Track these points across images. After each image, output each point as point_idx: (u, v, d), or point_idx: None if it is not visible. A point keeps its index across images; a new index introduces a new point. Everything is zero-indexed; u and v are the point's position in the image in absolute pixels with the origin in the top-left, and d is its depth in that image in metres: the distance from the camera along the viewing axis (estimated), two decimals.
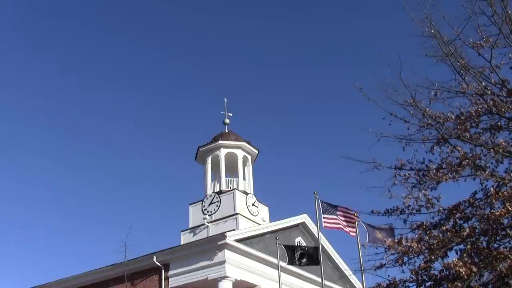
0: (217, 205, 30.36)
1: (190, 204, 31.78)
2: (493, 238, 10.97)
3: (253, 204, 30.97)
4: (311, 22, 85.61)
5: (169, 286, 25.75)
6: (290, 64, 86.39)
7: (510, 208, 10.29)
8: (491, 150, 11.25)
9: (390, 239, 12.52)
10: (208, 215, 30.17)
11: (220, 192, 31.21)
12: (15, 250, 73.79)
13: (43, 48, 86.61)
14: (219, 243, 24.89)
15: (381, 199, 12.14)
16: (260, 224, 29.22)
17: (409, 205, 11.86)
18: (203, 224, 29.93)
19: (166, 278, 25.95)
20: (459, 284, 10.59)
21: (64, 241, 78.45)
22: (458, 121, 11.61)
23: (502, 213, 10.40)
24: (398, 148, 12.14)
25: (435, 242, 11.16)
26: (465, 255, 10.88)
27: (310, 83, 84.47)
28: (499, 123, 11.46)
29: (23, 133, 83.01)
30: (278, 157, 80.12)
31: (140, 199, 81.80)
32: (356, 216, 20.94)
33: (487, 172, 11.22)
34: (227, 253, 24.99)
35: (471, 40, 11.49)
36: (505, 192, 10.63)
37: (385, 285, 11.89)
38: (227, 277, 24.60)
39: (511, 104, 11.15)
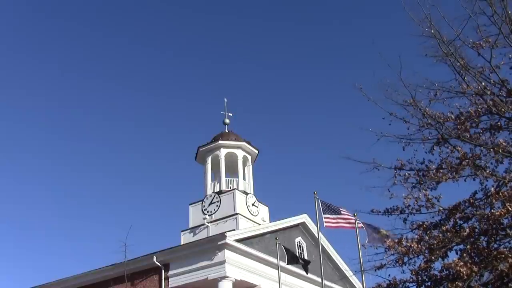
0: (217, 205, 30.36)
1: (190, 204, 31.80)
2: (493, 238, 10.97)
3: (253, 204, 30.97)
4: (311, 22, 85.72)
5: (169, 286, 25.75)
6: (290, 64, 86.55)
7: (510, 208, 10.29)
8: (491, 150, 11.25)
9: (390, 239, 12.50)
10: (208, 215, 30.17)
11: (220, 192, 31.22)
12: (15, 250, 73.95)
13: (43, 48, 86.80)
14: (219, 243, 24.89)
15: (381, 199, 12.14)
16: (260, 224, 29.22)
17: (409, 205, 11.86)
18: (203, 224, 29.94)
19: (166, 278, 25.95)
20: (460, 284, 10.59)
21: (64, 241, 78.59)
22: (458, 121, 11.61)
23: (502, 213, 10.39)
24: (398, 148, 12.15)
25: (435, 242, 11.15)
26: (465, 255, 10.87)
27: (310, 83, 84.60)
28: (499, 123, 11.45)
29: (23, 133, 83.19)
30: (278, 157, 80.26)
31: (140, 199, 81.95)
32: (355, 217, 20.95)
33: (487, 172, 11.22)
34: (227, 253, 24.99)
35: (471, 40, 11.50)
36: (505, 192, 10.63)
37: (385, 285, 11.89)
38: (227, 277, 24.60)
39: (511, 104, 11.15)
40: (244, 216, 29.66)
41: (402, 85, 11.83)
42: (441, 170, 11.69)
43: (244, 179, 32.54)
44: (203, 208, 30.76)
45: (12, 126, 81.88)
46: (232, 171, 33.05)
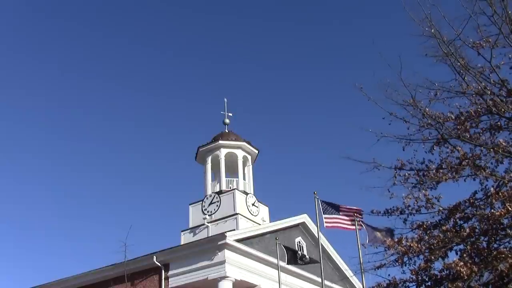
0: (217, 205, 30.36)
1: (190, 204, 31.78)
2: (493, 238, 10.97)
3: (253, 204, 30.97)
4: (311, 22, 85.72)
5: (169, 286, 25.74)
6: (290, 64, 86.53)
7: (510, 208, 10.29)
8: (491, 150, 11.25)
9: (390, 239, 12.50)
10: (208, 215, 30.16)
11: (220, 192, 31.21)
12: (15, 250, 73.91)
13: (43, 48, 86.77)
14: (219, 243, 24.88)
15: (381, 199, 12.15)
16: (260, 224, 29.21)
17: (409, 205, 11.86)
18: (203, 224, 29.93)
19: (166, 278, 25.94)
20: (460, 284, 10.59)
21: (64, 241, 78.56)
22: (458, 121, 11.61)
23: (502, 213, 10.40)
24: (398, 148, 12.15)
25: (435, 242, 11.16)
26: (465, 255, 10.87)
27: (310, 83, 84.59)
28: (499, 123, 11.45)
29: (23, 133, 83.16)
30: (278, 157, 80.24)
31: (140, 199, 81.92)
32: (360, 214, 20.86)
33: (486, 172, 11.22)
34: (227, 253, 24.98)
35: (471, 40, 11.50)
36: (505, 192, 10.63)
37: (385, 285, 11.89)
38: (227, 277, 24.60)
39: (511, 104, 11.15)
40: (244, 216, 29.65)
41: (402, 85, 11.85)
42: (441, 170, 11.70)
43: (244, 179, 32.54)
44: (203, 208, 30.76)
45: (12, 126, 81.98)
46: (232, 171, 33.04)
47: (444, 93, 11.88)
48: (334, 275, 30.70)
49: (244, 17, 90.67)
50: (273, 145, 78.80)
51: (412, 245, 11.24)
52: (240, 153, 32.80)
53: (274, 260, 24.94)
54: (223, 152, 32.46)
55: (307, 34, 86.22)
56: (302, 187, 79.70)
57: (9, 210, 77.39)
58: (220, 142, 32.59)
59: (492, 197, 10.76)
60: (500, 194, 10.65)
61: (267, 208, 32.08)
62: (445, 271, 11.11)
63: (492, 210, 10.74)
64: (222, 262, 24.75)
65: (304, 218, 30.39)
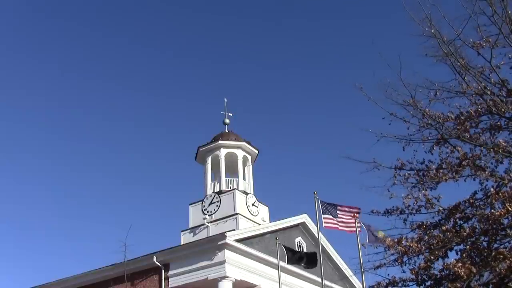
0: (217, 205, 30.36)
1: (190, 204, 31.79)
2: (493, 238, 10.97)
3: (253, 204, 30.97)
4: (311, 22, 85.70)
5: (169, 286, 25.74)
6: (290, 64, 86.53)
7: (510, 208, 10.29)
8: (491, 150, 11.24)
9: (389, 239, 12.48)
10: (208, 215, 30.16)
11: (220, 192, 31.21)
12: (15, 250, 73.92)
13: (43, 48, 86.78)
14: (219, 243, 24.89)
15: (381, 199, 12.15)
16: (260, 224, 29.22)
17: (409, 205, 11.86)
18: (203, 224, 29.93)
19: (166, 278, 25.95)
20: (459, 284, 10.59)
21: (64, 241, 78.56)
22: (458, 121, 11.61)
23: (502, 213, 10.40)
24: (398, 148, 12.15)
25: (435, 242, 11.16)
26: (464, 255, 10.87)
27: (310, 83, 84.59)
28: (499, 123, 11.45)
29: (23, 133, 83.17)
30: (278, 157, 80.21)
31: (140, 199, 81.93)
32: (357, 214, 20.90)
33: (487, 172, 11.22)
34: (227, 253, 24.99)
35: (471, 40, 11.49)
36: (505, 192, 10.63)
37: (385, 284, 11.90)
38: (227, 277, 24.60)
39: (511, 104, 11.15)
40: (244, 216, 29.65)
41: (402, 85, 11.85)
42: (441, 170, 11.70)
43: (244, 179, 32.54)
44: (203, 208, 30.76)
45: (12, 126, 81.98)
46: (232, 171, 33.05)
47: (444, 93, 11.89)
48: (334, 275, 30.70)
49: (244, 17, 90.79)
50: (273, 145, 78.87)
51: (412, 245, 11.25)
52: (240, 153, 32.81)
53: (274, 260, 24.94)
54: (223, 152, 32.47)
55: (307, 34, 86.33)
56: (302, 187, 79.78)
57: (9, 210, 77.50)
58: (220, 142, 32.60)
59: (492, 197, 10.75)
60: (500, 194, 10.65)
61: (267, 208, 32.09)
62: (445, 271, 11.12)
63: (492, 210, 10.73)
64: (222, 262, 24.75)
65: (304, 218, 30.40)
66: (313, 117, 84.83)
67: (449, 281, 10.88)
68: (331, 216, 21.25)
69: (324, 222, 21.30)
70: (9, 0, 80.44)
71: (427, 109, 11.91)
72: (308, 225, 30.45)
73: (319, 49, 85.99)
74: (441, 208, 11.65)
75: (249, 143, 33.39)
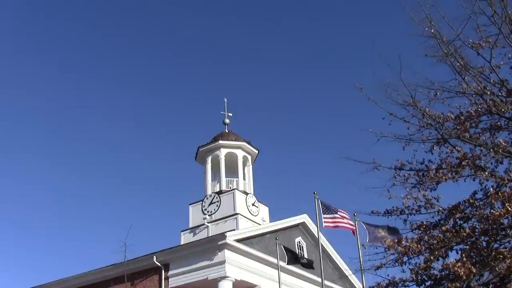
0: (217, 205, 30.36)
1: (190, 204, 31.79)
2: (493, 238, 10.97)
3: (253, 204, 30.97)
4: (311, 22, 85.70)
5: (169, 286, 25.75)
6: (290, 64, 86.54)
7: (510, 208, 10.29)
8: (491, 150, 11.25)
9: (391, 238, 12.51)
10: (208, 215, 30.16)
11: (220, 192, 31.21)
12: (15, 250, 73.93)
13: (43, 48, 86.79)
14: (219, 243, 24.89)
15: (380, 199, 12.16)
16: (260, 224, 29.22)
17: (409, 206, 11.86)
18: (203, 224, 29.93)
19: (166, 278, 25.95)
20: (459, 284, 10.59)
21: (64, 241, 78.59)
22: (458, 121, 11.61)
23: (502, 213, 10.39)
24: (398, 148, 12.15)
25: (435, 242, 11.16)
26: (464, 255, 10.87)
27: (310, 83, 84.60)
28: (499, 123, 11.45)
29: (23, 133, 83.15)
30: (278, 156, 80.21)
31: (140, 199, 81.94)
32: (355, 217, 20.97)
33: (486, 172, 11.22)
34: (227, 253, 24.99)
35: (471, 40, 11.49)
36: (505, 192, 10.63)
37: (384, 285, 11.89)
38: (227, 277, 24.60)
39: (511, 104, 11.15)
40: (244, 216, 29.65)
41: (402, 85, 11.84)
42: (441, 170, 11.70)
43: (244, 179, 32.54)
44: (203, 208, 30.76)
45: (12, 126, 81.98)
46: (232, 171, 33.04)
47: (444, 93, 11.88)
48: (334, 275, 30.70)
49: (244, 17, 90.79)
50: (273, 145, 78.88)
51: (411, 245, 11.24)
52: (240, 153, 32.81)
53: (274, 260, 24.95)
54: (223, 152, 32.47)
55: (307, 34, 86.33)
56: (302, 187, 79.83)
57: (9, 210, 77.54)
58: (220, 142, 32.60)
59: (492, 197, 10.75)
60: (500, 194, 10.65)
61: (267, 208, 32.09)
62: (445, 271, 11.12)
63: (492, 210, 10.73)
64: (222, 262, 24.76)
65: (304, 218, 30.40)
66: (313, 117, 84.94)
67: (449, 281, 10.88)
68: (331, 216, 21.27)
69: (324, 222, 21.31)
70: (9, 0, 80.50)
71: (427, 109, 11.91)
72: (308, 225, 30.45)
73: (319, 49, 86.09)
74: (441, 208, 11.66)
75: (249, 143, 33.39)
